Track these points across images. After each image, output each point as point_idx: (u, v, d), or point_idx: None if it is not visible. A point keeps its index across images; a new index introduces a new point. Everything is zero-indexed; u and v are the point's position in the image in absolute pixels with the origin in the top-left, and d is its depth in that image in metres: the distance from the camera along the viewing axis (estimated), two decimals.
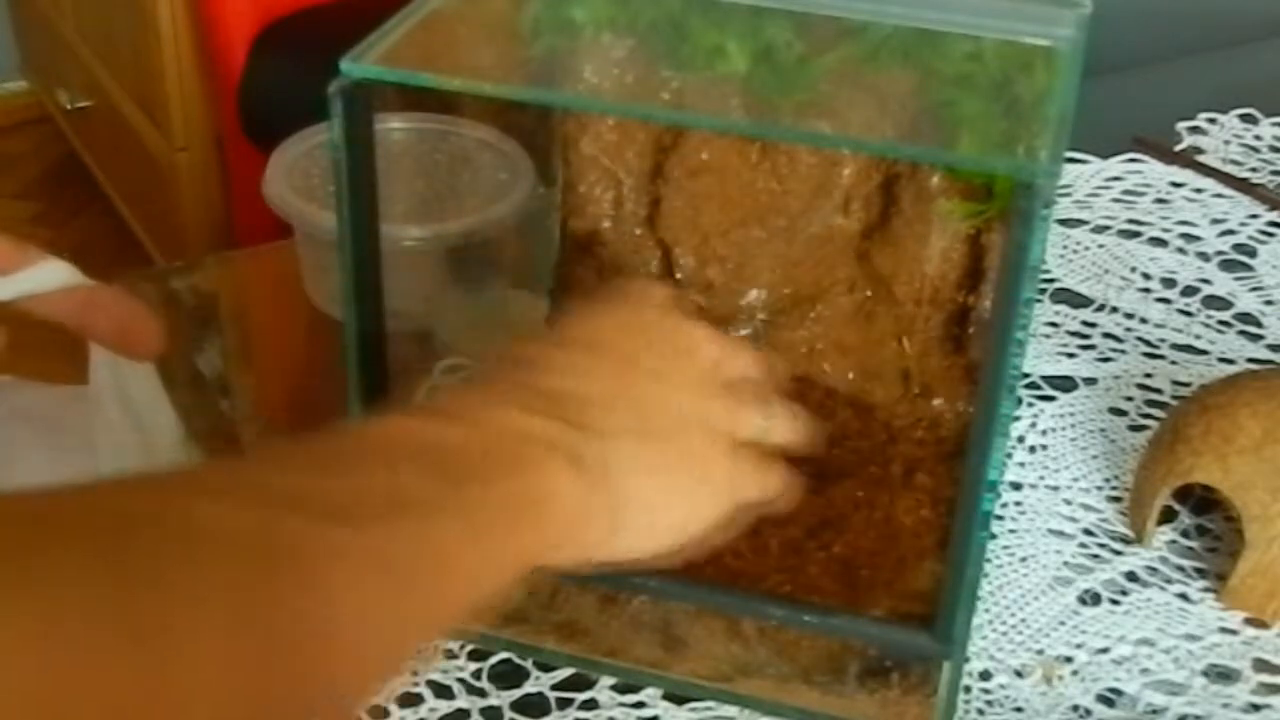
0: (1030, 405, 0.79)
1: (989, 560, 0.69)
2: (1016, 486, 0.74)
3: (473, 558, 0.44)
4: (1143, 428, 0.77)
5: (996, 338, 0.49)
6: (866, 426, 0.70)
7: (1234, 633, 0.67)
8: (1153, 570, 0.70)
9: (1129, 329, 0.85)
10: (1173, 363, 0.83)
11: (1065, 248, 0.92)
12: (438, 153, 0.86)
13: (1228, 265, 0.91)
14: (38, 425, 0.61)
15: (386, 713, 0.61)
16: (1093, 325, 0.85)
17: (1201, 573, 0.69)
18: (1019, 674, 0.64)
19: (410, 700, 0.62)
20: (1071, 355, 0.83)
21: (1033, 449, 0.76)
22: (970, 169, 0.65)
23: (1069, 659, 0.65)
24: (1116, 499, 0.73)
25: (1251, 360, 0.83)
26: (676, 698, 0.63)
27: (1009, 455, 0.75)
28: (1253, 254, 0.92)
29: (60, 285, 0.51)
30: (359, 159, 0.53)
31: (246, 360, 0.87)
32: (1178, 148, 1.02)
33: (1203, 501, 0.72)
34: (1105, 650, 0.65)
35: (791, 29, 0.58)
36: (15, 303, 0.52)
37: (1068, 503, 0.73)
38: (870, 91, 0.56)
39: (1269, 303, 0.88)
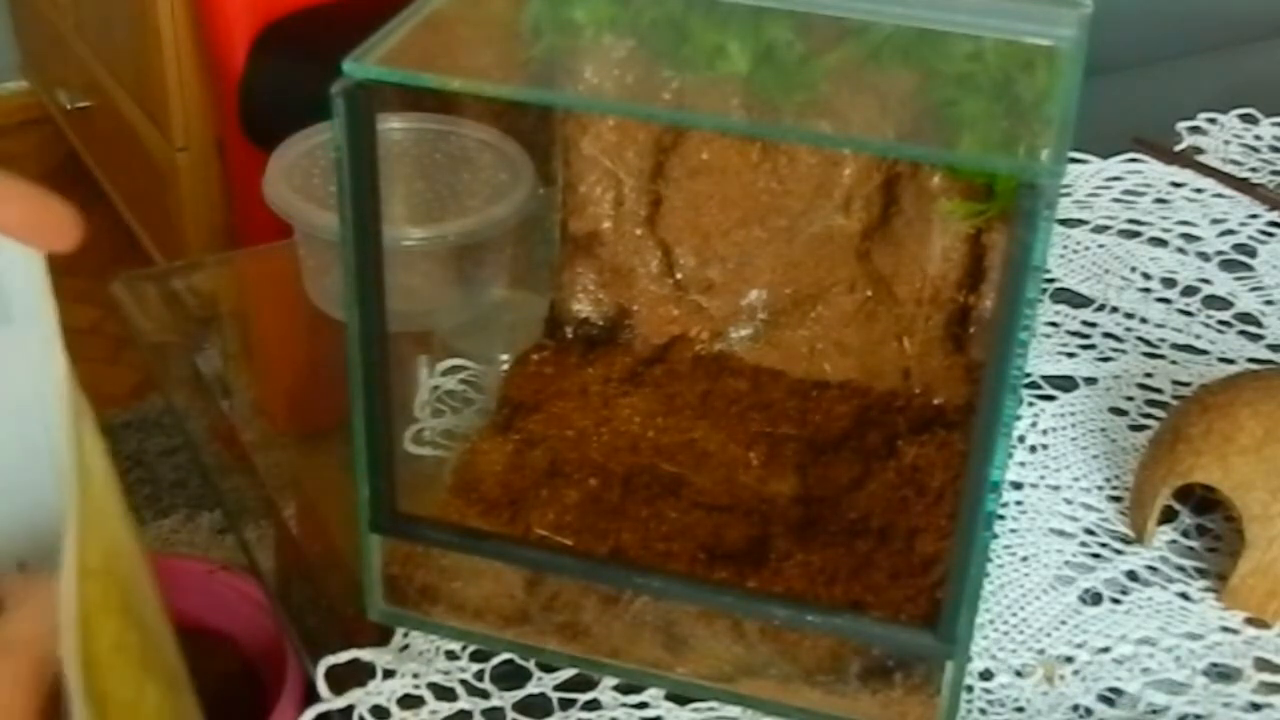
0: (1031, 405, 0.79)
1: (990, 560, 0.69)
2: (1017, 486, 0.74)
3: None
4: (1143, 427, 0.77)
5: (999, 338, 0.50)
6: (867, 427, 0.70)
7: (1235, 632, 0.67)
8: (1153, 570, 0.70)
9: (1129, 329, 0.85)
10: (1173, 362, 0.83)
11: (1065, 248, 0.92)
12: (438, 153, 0.86)
13: (1228, 265, 0.91)
14: None
15: (388, 714, 0.61)
16: (1093, 325, 0.85)
17: (1202, 572, 0.69)
18: (1020, 674, 0.64)
19: (412, 702, 0.62)
20: (1072, 355, 0.83)
21: (1033, 448, 0.76)
22: (975, 169, 0.65)
23: (1070, 658, 0.65)
24: (1117, 498, 0.73)
25: (1251, 360, 0.83)
26: (679, 698, 0.63)
27: (1009, 455, 0.75)
28: (1253, 254, 0.92)
29: None
30: (361, 159, 0.53)
31: (246, 360, 0.87)
32: (1178, 148, 1.02)
33: (1203, 501, 0.72)
34: (1106, 650, 0.65)
35: (792, 29, 0.58)
36: None
37: (1068, 502, 0.73)
38: (871, 91, 0.56)
39: (1269, 303, 0.88)
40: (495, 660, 0.64)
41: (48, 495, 0.51)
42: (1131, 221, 0.95)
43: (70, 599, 0.49)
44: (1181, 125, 1.04)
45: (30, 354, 0.51)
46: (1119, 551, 0.70)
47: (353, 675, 0.62)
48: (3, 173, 0.48)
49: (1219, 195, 0.98)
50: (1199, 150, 1.02)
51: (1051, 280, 0.89)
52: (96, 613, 0.51)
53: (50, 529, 0.51)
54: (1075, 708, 0.63)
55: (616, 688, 0.63)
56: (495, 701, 0.62)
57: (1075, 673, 0.64)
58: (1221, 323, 0.86)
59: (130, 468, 1.85)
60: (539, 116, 0.78)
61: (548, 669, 0.63)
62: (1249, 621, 0.67)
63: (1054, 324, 0.85)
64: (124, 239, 2.23)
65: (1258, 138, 1.04)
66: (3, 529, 0.52)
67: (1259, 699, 0.64)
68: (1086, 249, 0.92)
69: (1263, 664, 0.65)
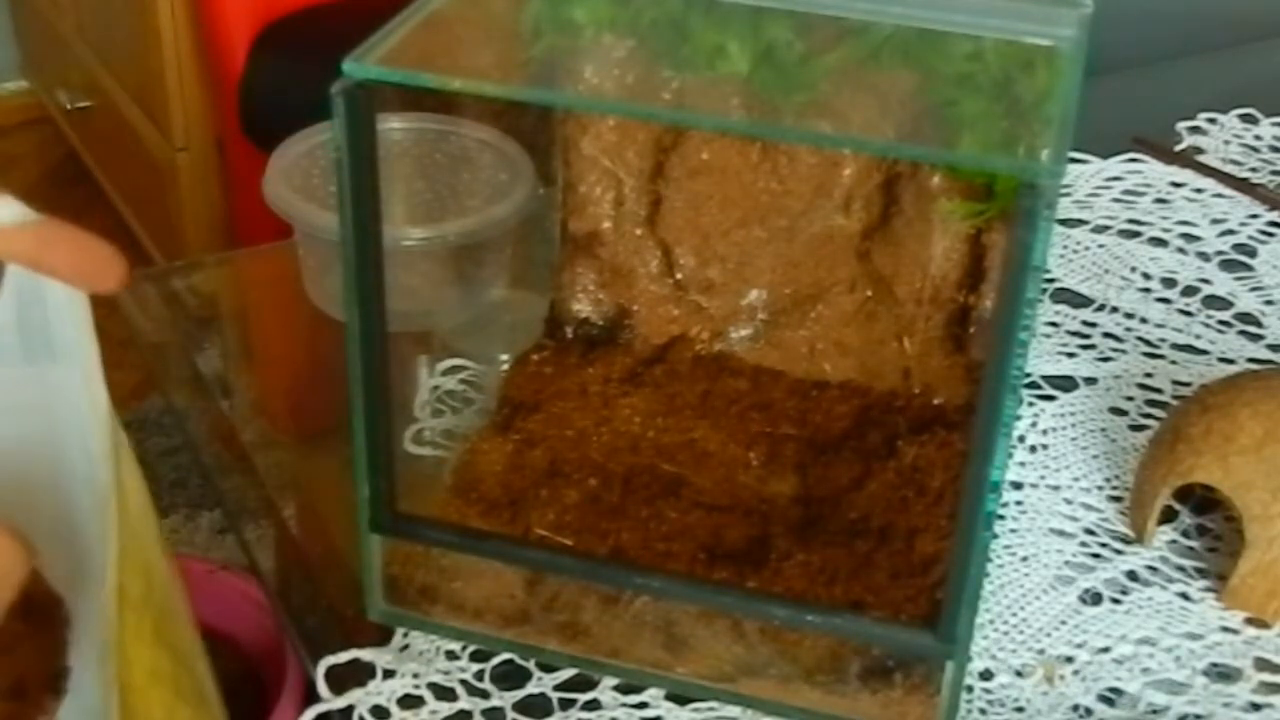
0: (1031, 405, 0.79)
1: (990, 560, 0.69)
2: (1017, 486, 0.74)
3: None
4: (1143, 427, 0.77)
5: (999, 338, 0.50)
6: (867, 427, 0.70)
7: (1235, 632, 0.67)
8: (1153, 570, 0.70)
9: (1129, 329, 0.85)
10: (1173, 363, 0.83)
11: (1065, 248, 0.92)
12: (438, 153, 0.86)
13: (1228, 265, 0.91)
14: None
15: (388, 714, 0.61)
16: (1093, 325, 0.85)
17: (1202, 572, 0.69)
18: (1020, 674, 0.64)
19: (412, 702, 0.62)
20: (1072, 355, 0.83)
21: (1033, 448, 0.76)
22: (975, 169, 0.65)
23: (1070, 658, 0.65)
24: (1117, 498, 0.73)
25: (1251, 360, 0.83)
26: (679, 698, 0.63)
27: (1009, 455, 0.75)
28: (1253, 254, 0.92)
29: (8, 221, 0.48)
30: (361, 159, 0.53)
31: (246, 360, 0.87)
32: (1178, 148, 1.02)
33: (1203, 501, 0.72)
34: (1106, 649, 0.65)
35: (792, 29, 0.58)
36: None
37: (1068, 502, 0.73)
38: (871, 91, 0.56)
39: (1269, 303, 0.88)
40: (495, 660, 0.64)
41: (86, 524, 0.52)
42: (1131, 221, 0.95)
43: (110, 628, 0.49)
44: (1181, 125, 1.04)
45: (74, 388, 0.53)
46: (1119, 551, 0.70)
47: (353, 675, 0.62)
48: (52, 220, 0.50)
49: (1219, 195, 0.98)
50: (1199, 150, 1.02)
51: (1051, 280, 0.89)
52: (133, 642, 0.51)
53: (88, 556, 0.51)
54: (1075, 708, 0.63)
55: (616, 688, 0.63)
56: (495, 701, 0.62)
57: (1075, 673, 0.64)
58: (1221, 323, 0.86)
59: None
60: (539, 116, 0.78)
61: (548, 669, 0.63)
62: (1249, 621, 0.67)
63: (1054, 324, 0.85)
64: (124, 239, 2.23)
65: (1258, 138, 1.04)
66: (43, 555, 0.53)
67: (1259, 699, 0.64)
68: (1086, 249, 0.92)
69: (1263, 664, 0.65)
